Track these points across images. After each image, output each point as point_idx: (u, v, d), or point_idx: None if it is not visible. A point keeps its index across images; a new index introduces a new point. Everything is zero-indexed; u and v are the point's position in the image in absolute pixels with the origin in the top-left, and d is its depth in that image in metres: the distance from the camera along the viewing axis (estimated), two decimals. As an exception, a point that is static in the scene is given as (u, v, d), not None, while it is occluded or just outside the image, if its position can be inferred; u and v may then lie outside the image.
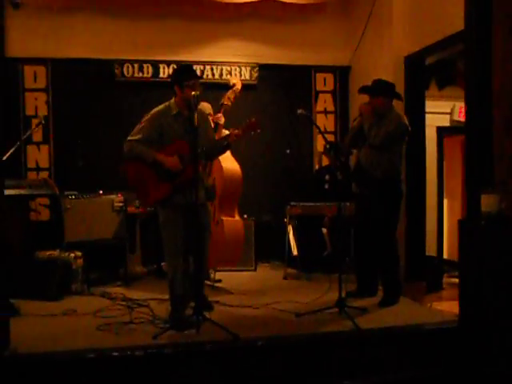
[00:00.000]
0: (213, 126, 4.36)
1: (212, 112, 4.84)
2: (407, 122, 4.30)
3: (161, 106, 3.78)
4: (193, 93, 3.57)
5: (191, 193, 3.51)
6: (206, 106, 4.59)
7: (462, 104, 6.98)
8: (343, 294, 3.95)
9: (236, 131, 3.66)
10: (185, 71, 3.80)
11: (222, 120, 4.89)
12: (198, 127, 3.55)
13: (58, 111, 5.98)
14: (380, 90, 4.29)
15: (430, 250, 5.92)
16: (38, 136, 5.91)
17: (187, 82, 3.65)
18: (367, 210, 4.37)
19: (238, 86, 5.09)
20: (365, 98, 4.46)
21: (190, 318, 3.52)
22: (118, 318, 3.88)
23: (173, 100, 3.77)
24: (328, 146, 5.81)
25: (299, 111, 3.99)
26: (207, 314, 3.63)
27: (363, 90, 4.44)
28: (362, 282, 4.60)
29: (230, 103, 4.98)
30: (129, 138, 3.73)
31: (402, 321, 3.89)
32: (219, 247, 4.71)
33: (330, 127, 6.54)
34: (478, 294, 3.46)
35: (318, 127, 4.25)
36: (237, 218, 5.05)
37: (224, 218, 4.84)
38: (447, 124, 6.93)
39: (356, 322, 3.67)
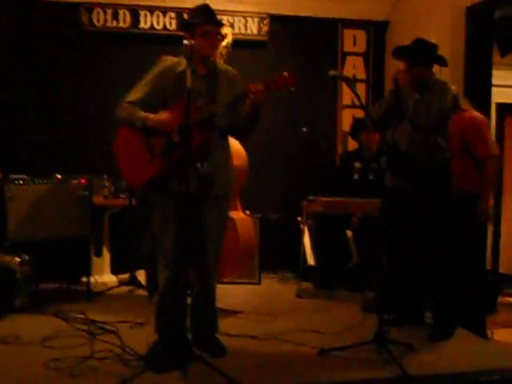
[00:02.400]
0: None
1: None
2: None
3: (170, 60, 3.37)
4: (184, 41, 3.11)
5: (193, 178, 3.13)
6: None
7: (530, 75, 6.60)
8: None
9: (257, 86, 3.03)
10: (198, 13, 3.29)
11: None
12: (218, 88, 3.27)
13: (2, 67, 5.51)
14: (423, 56, 3.91)
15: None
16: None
17: (199, 27, 3.22)
18: (408, 210, 3.99)
19: (228, 39, 4.85)
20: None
21: (174, 355, 3.08)
22: (74, 350, 3.44)
23: None
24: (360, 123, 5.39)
25: (332, 72, 3.63)
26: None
27: (400, 54, 4.04)
28: (403, 308, 4.26)
29: (221, 60, 4.56)
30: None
31: (462, 363, 3.45)
32: (233, 254, 4.38)
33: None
34: None
35: (357, 95, 3.72)
36: (242, 213, 4.75)
37: (235, 216, 4.45)
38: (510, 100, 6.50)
39: (402, 366, 3.21)
